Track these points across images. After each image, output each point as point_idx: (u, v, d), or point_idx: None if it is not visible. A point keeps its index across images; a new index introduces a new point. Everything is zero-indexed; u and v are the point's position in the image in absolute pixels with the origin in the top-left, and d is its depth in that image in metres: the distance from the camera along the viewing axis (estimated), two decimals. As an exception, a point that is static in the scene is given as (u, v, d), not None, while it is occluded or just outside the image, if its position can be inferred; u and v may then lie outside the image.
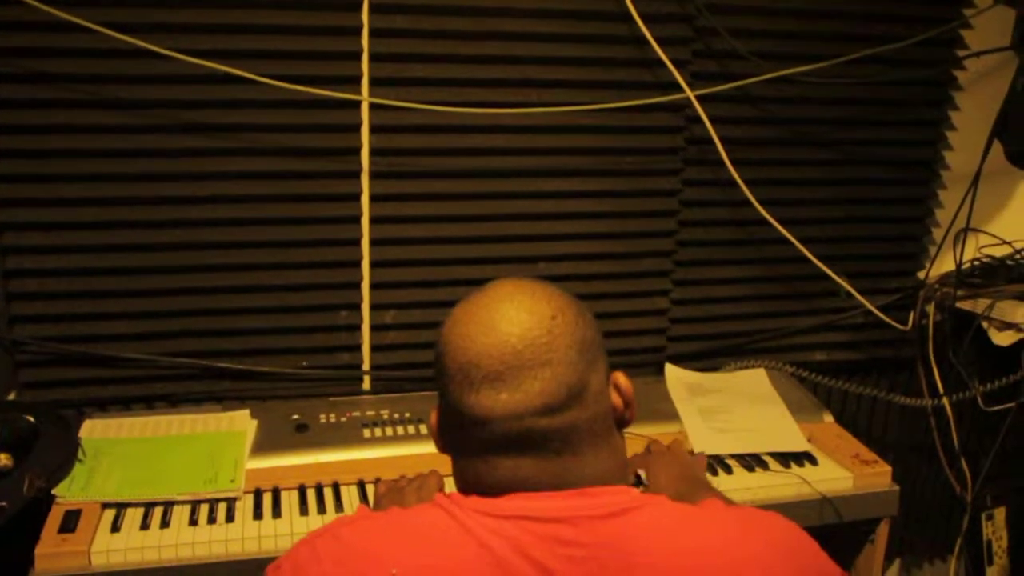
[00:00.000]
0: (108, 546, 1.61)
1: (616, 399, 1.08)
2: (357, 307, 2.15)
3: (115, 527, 1.67)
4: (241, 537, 1.67)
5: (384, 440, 1.97)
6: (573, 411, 1.00)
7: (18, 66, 1.84)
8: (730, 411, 2.15)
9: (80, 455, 1.82)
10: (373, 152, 2.05)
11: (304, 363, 2.15)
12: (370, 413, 2.06)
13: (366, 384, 2.21)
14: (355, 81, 2.00)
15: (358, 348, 2.18)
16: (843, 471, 1.98)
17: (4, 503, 1.08)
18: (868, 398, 2.44)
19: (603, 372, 1.06)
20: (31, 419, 1.07)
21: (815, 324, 2.44)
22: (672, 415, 2.13)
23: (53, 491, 1.72)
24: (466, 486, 1.06)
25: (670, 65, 2.02)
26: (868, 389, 2.34)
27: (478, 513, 0.99)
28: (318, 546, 1.01)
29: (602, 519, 0.97)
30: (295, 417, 2.03)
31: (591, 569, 0.95)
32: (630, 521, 0.98)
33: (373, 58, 1.99)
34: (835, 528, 1.96)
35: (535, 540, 0.96)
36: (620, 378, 1.09)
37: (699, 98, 2.09)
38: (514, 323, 1.00)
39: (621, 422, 1.09)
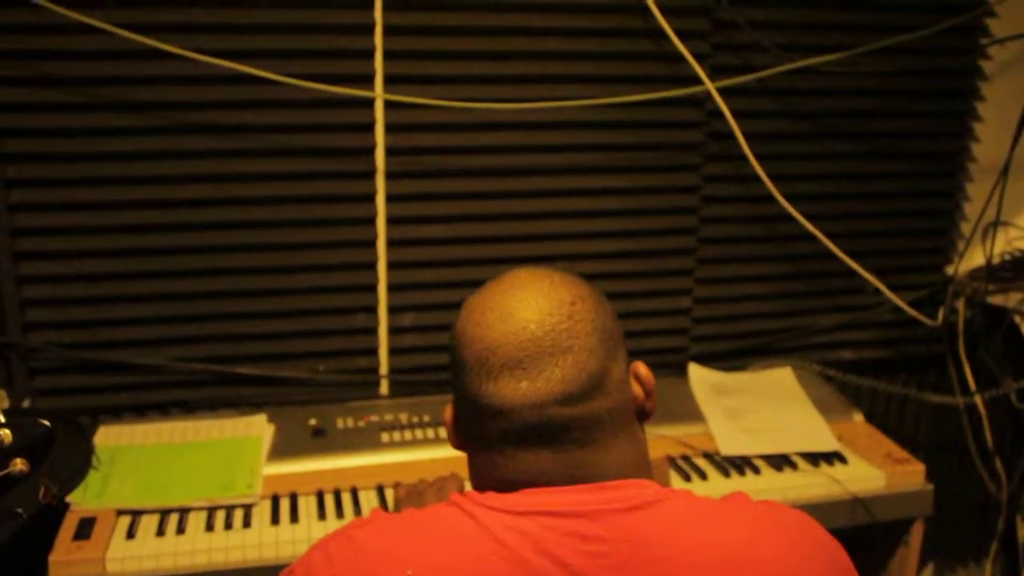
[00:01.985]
0: (123, 553, 1.58)
1: (637, 389, 1.04)
2: (374, 310, 2.12)
3: (130, 534, 1.64)
4: (259, 543, 1.64)
5: (403, 444, 1.94)
6: (595, 400, 0.96)
7: (31, 69, 1.83)
8: (757, 411, 2.10)
9: (95, 462, 1.79)
10: (388, 152, 2.02)
11: (321, 367, 2.12)
12: (388, 417, 2.02)
13: (384, 388, 2.18)
14: (368, 80, 1.97)
15: (375, 351, 2.14)
16: (875, 470, 1.93)
17: (19, 509, 1.04)
18: (897, 397, 2.39)
19: (623, 361, 1.02)
20: (47, 423, 1.03)
21: (842, 322, 2.39)
22: (696, 415, 2.08)
23: (67, 498, 1.70)
24: (482, 482, 1.02)
25: (689, 58, 1.98)
26: (897, 387, 2.28)
27: (495, 510, 0.95)
28: (331, 549, 0.98)
29: (624, 513, 0.93)
30: (312, 422, 2.00)
31: (614, 564, 0.91)
32: (653, 515, 0.94)
33: (387, 56, 1.96)
34: (867, 529, 1.91)
35: (556, 536, 0.92)
36: (641, 368, 1.05)
37: (720, 92, 2.05)
38: (533, 309, 0.97)
39: (642, 413, 1.05)
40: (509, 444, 0.97)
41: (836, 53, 2.10)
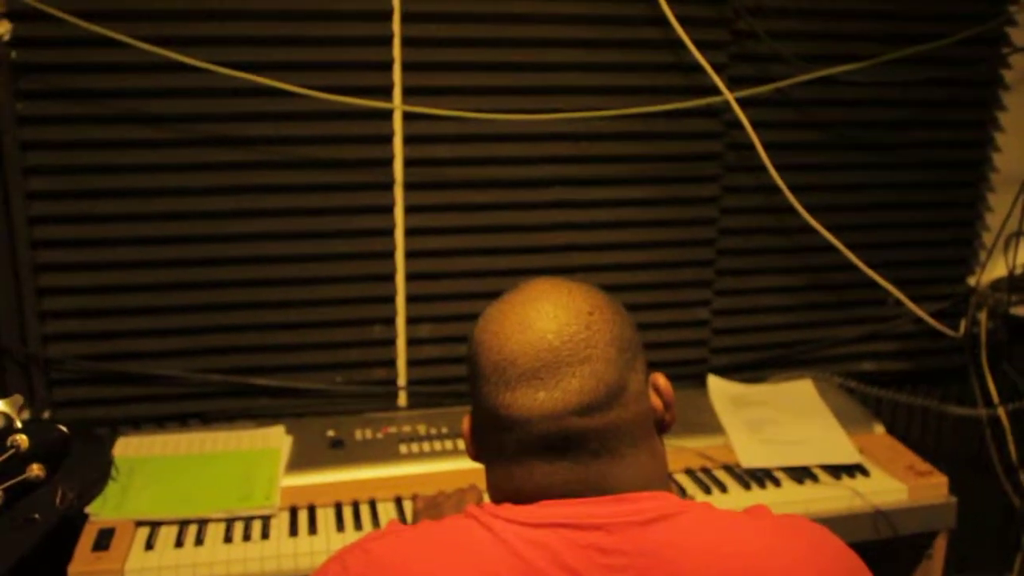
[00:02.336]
0: (142, 564, 1.58)
1: (656, 401, 1.03)
2: (392, 321, 2.12)
3: (149, 545, 1.64)
4: (277, 555, 1.63)
5: (421, 456, 1.93)
6: (613, 411, 0.95)
7: (50, 82, 1.84)
8: (777, 423, 2.08)
9: (113, 473, 1.79)
10: (407, 163, 2.02)
11: (338, 379, 2.11)
12: (406, 429, 2.02)
13: (402, 400, 2.17)
14: (387, 92, 1.97)
15: (393, 363, 2.14)
16: (897, 483, 1.91)
17: (36, 515, 1.04)
18: (918, 409, 2.36)
19: (642, 372, 1.01)
20: (63, 428, 1.03)
21: (862, 333, 2.37)
22: (716, 427, 2.07)
23: (86, 509, 1.70)
24: (499, 494, 1.01)
25: (708, 68, 1.98)
26: (919, 399, 2.26)
27: (511, 522, 0.94)
28: (348, 561, 0.97)
29: (642, 526, 0.92)
30: (330, 433, 1.99)
31: None
32: (672, 527, 0.92)
33: (405, 67, 1.97)
34: (890, 543, 1.89)
35: (573, 549, 0.91)
36: (660, 379, 1.04)
37: (738, 103, 2.04)
38: (550, 319, 0.96)
39: (661, 425, 1.04)
40: (526, 455, 0.96)
41: (855, 63, 2.09)
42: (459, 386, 2.17)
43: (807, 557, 0.94)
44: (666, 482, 1.03)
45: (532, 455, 0.96)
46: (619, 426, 0.96)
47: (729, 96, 1.96)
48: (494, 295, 2.15)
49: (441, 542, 0.96)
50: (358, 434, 1.99)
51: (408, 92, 1.98)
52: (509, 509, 0.96)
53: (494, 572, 0.91)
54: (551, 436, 0.94)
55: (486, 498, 1.68)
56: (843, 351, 2.39)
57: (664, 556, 0.91)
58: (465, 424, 1.07)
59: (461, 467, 1.88)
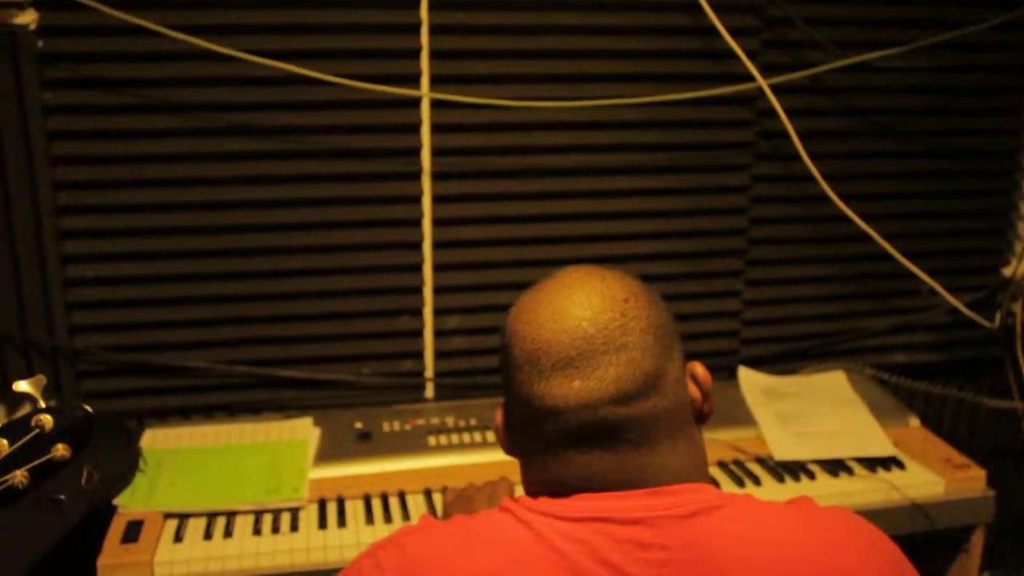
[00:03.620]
0: (171, 556, 1.57)
1: (694, 391, 1.00)
2: (420, 312, 2.10)
3: (178, 537, 1.63)
4: (307, 547, 1.62)
5: (450, 448, 1.91)
6: (650, 400, 0.93)
7: (77, 71, 1.82)
8: (810, 415, 2.05)
9: (142, 465, 1.78)
10: (435, 152, 2.00)
11: (366, 370, 2.10)
12: (435, 421, 2.00)
13: (429, 391, 2.15)
14: (414, 80, 1.95)
15: (421, 354, 2.12)
16: (934, 476, 1.87)
17: (62, 496, 1.03)
18: (951, 401, 2.33)
19: (679, 361, 0.99)
20: (87, 408, 1.02)
21: (895, 324, 2.34)
22: (748, 420, 2.04)
23: (115, 501, 1.69)
24: (535, 487, 0.99)
25: (742, 55, 1.94)
26: (954, 391, 2.22)
27: (549, 516, 0.91)
28: (380, 557, 0.95)
29: (683, 519, 0.90)
30: (358, 425, 1.98)
31: (673, 572, 0.88)
32: (713, 521, 0.90)
33: (433, 55, 1.94)
34: (926, 537, 1.86)
35: (612, 544, 0.88)
36: (698, 368, 1.02)
37: (772, 89, 2.00)
38: (585, 307, 0.93)
39: (700, 415, 1.01)
40: (562, 446, 0.94)
41: (890, 49, 2.05)
42: (487, 378, 2.15)
43: (861, 559, 0.91)
44: (706, 473, 1.00)
45: (568, 446, 0.94)
46: (657, 415, 0.94)
47: (763, 83, 1.92)
48: (523, 286, 2.12)
49: (477, 537, 0.93)
50: (386, 426, 1.98)
51: (436, 80, 1.96)
52: (546, 503, 0.94)
53: (533, 568, 0.89)
54: (587, 426, 0.92)
55: (518, 490, 1.66)
56: (875, 343, 2.35)
57: (706, 550, 0.88)
58: (497, 416, 1.05)
59: (490, 459, 1.87)
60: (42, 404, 1.00)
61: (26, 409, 1.64)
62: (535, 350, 0.94)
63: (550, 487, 0.95)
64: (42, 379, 1.02)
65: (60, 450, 1.01)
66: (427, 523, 1.00)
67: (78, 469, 1.05)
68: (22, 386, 1.00)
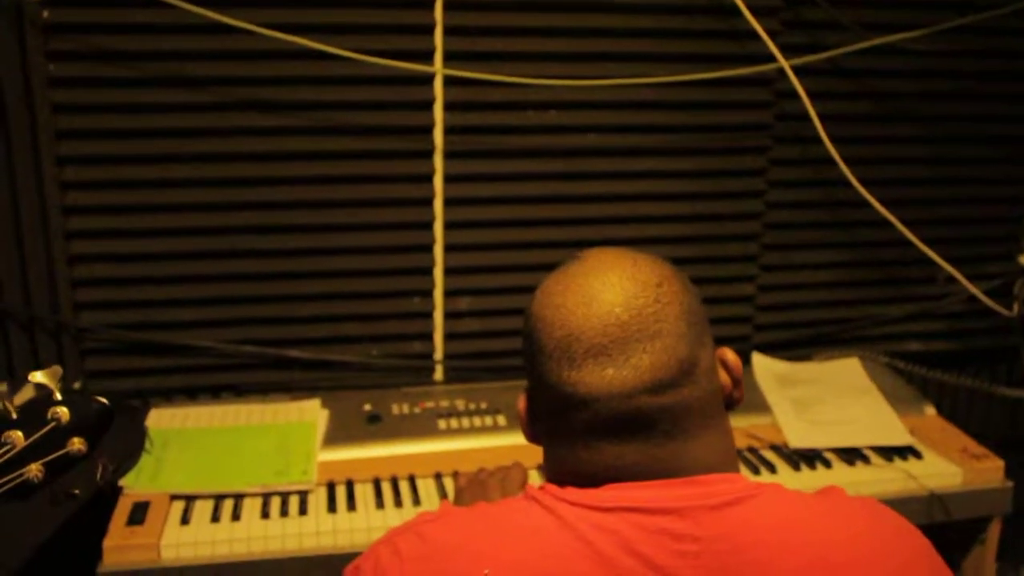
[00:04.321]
0: (178, 539, 1.54)
1: (724, 377, 0.97)
2: (430, 293, 2.06)
3: (184, 519, 1.60)
4: (316, 531, 1.59)
5: (460, 432, 1.88)
6: (685, 388, 0.89)
7: (83, 43, 1.78)
8: (825, 403, 2.02)
9: (147, 445, 1.75)
10: (447, 131, 1.96)
11: (375, 352, 2.06)
12: (444, 404, 1.97)
13: (438, 374, 2.12)
14: (428, 56, 1.91)
15: (430, 336, 2.09)
16: (951, 466, 1.85)
17: (77, 491, 1.00)
18: (966, 389, 2.30)
19: (711, 347, 0.96)
20: (104, 401, 0.98)
21: (910, 312, 2.30)
22: (762, 406, 2.01)
23: (120, 482, 1.66)
24: (560, 476, 0.95)
25: (764, 35, 1.89)
26: (969, 380, 2.19)
27: (577, 506, 0.88)
28: (399, 544, 0.91)
29: (715, 510, 0.87)
30: (367, 407, 1.95)
31: (705, 564, 0.85)
32: (746, 511, 0.87)
33: (447, 31, 1.90)
34: (941, 528, 1.83)
35: (643, 534, 0.86)
36: (728, 354, 0.98)
37: (792, 71, 1.96)
38: (617, 291, 0.90)
39: (730, 402, 0.99)
40: (593, 436, 0.91)
41: (913, 31, 2.01)
42: (497, 360, 2.12)
43: (891, 548, 0.89)
44: (735, 462, 0.97)
45: (599, 436, 0.90)
46: (690, 404, 0.90)
47: (785, 64, 1.88)
48: (534, 267, 2.10)
49: (501, 525, 0.90)
50: (395, 408, 1.94)
51: (450, 57, 1.91)
52: (573, 492, 0.91)
53: (560, 557, 0.86)
54: (620, 416, 0.88)
55: (532, 475, 1.64)
56: (890, 330, 2.32)
57: (738, 542, 0.85)
58: (520, 403, 1.02)
59: (502, 444, 1.84)
60: (58, 396, 0.97)
61: (29, 392, 1.62)
62: (565, 336, 0.90)
63: (579, 477, 0.92)
64: (58, 370, 0.98)
65: (76, 444, 0.97)
66: (447, 510, 0.97)
67: (93, 463, 1.03)
68: (38, 377, 0.97)
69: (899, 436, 1.93)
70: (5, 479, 0.94)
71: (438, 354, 2.10)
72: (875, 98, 2.14)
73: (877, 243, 2.22)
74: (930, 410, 2.06)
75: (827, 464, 1.84)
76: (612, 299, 0.90)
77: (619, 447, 0.90)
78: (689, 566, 0.85)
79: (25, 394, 1.84)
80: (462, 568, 0.87)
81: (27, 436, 0.94)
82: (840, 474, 1.82)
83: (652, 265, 0.94)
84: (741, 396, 0.99)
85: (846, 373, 2.15)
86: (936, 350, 2.34)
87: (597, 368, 0.88)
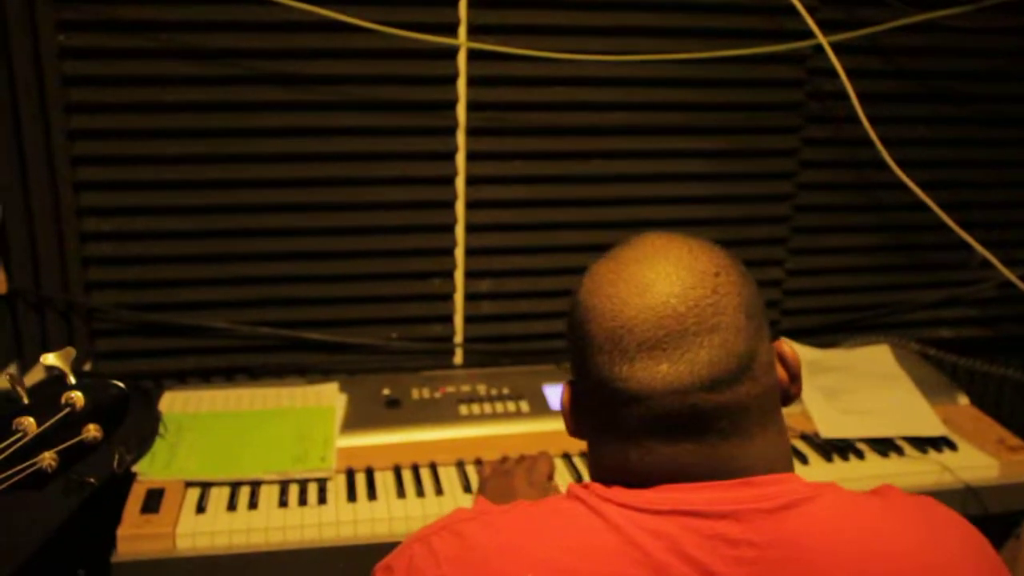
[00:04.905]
0: (194, 528, 1.49)
1: (781, 372, 0.92)
2: (451, 274, 2.00)
3: (200, 508, 1.55)
4: (336, 521, 1.54)
5: (482, 418, 1.83)
6: (743, 385, 0.84)
7: (93, 13, 1.71)
8: (855, 391, 1.96)
9: (161, 430, 1.70)
10: (471, 106, 1.89)
11: (394, 335, 2.01)
12: (465, 388, 1.91)
13: (458, 357, 2.07)
14: (452, 29, 1.84)
15: (451, 319, 2.03)
16: (987, 458, 1.79)
17: (92, 479, 0.94)
18: (997, 378, 2.24)
19: (768, 341, 0.90)
20: (121, 385, 0.93)
21: (941, 298, 2.24)
22: (791, 394, 1.95)
23: (134, 468, 1.61)
24: (607, 474, 0.90)
25: (802, 9, 1.82)
26: (1003, 369, 2.13)
27: (626, 507, 0.83)
28: (435, 544, 0.87)
29: (773, 513, 0.82)
30: (386, 392, 1.89)
31: (762, 572, 0.80)
32: (804, 515, 0.82)
33: (472, 3, 1.83)
34: (976, 521, 1.78)
35: (697, 539, 0.81)
36: (785, 347, 0.93)
37: (823, 49, 1.89)
38: (673, 281, 0.85)
39: (786, 398, 0.93)
40: (645, 434, 0.85)
41: (954, 8, 1.93)
42: (518, 344, 2.07)
43: (959, 555, 0.85)
44: (791, 461, 0.92)
45: (651, 434, 0.85)
46: (749, 403, 0.85)
47: (823, 41, 1.81)
48: (558, 250, 2.04)
49: (545, 527, 0.85)
50: (415, 393, 1.89)
51: (474, 30, 1.85)
52: (622, 492, 0.85)
53: (609, 563, 0.81)
54: (675, 414, 0.83)
55: (558, 465, 1.59)
56: (920, 316, 2.26)
57: (797, 547, 0.81)
58: (565, 396, 0.96)
59: (525, 430, 1.79)
60: (72, 380, 0.91)
61: (40, 374, 1.55)
62: (617, 328, 0.85)
63: (627, 476, 0.87)
64: (71, 352, 0.93)
65: (92, 431, 0.92)
66: (485, 508, 0.92)
67: (109, 450, 0.98)
68: (50, 359, 0.91)
69: (933, 426, 1.87)
70: (17, 468, 0.89)
71: (458, 337, 2.05)
72: (910, 77, 2.07)
73: (909, 226, 2.16)
74: (963, 399, 2.01)
75: (860, 455, 1.79)
76: (668, 289, 0.84)
77: (672, 447, 0.85)
78: (745, 574, 0.80)
79: (35, 375, 1.79)
80: (503, 572, 0.82)
81: (40, 423, 0.89)
82: (874, 466, 1.77)
83: (709, 253, 0.88)
84: (798, 392, 0.94)
85: (876, 360, 2.09)
86: (967, 337, 2.28)
87: (651, 363, 0.83)
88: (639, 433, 0.85)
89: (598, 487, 0.87)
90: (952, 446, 1.83)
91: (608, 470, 0.90)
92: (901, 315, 2.25)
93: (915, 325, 2.26)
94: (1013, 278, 2.09)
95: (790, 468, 0.90)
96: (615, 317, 0.85)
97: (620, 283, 0.86)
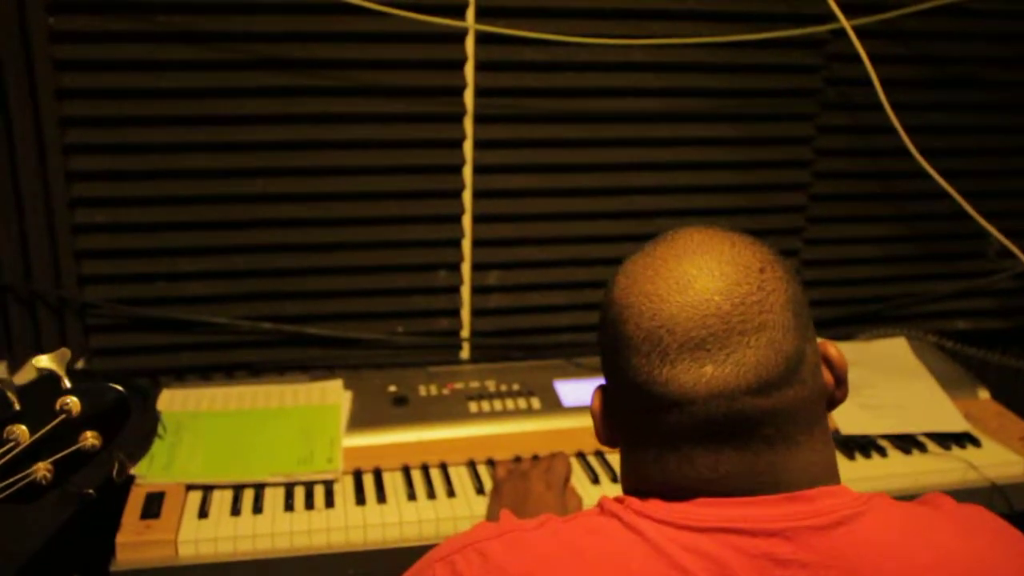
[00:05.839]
0: (197, 534, 1.43)
1: (827, 375, 0.87)
2: (457, 267, 1.94)
3: (203, 512, 1.48)
4: (345, 526, 1.47)
5: (493, 416, 1.77)
6: (792, 389, 0.79)
7: (87, -6, 1.64)
8: (874, 385, 1.91)
9: (160, 430, 1.64)
10: (479, 92, 1.82)
11: (399, 329, 1.94)
12: (474, 385, 1.85)
13: (464, 352, 2.01)
14: (459, 11, 1.77)
15: (457, 312, 1.97)
16: (1012, 455, 1.75)
17: (90, 490, 0.88)
18: (1012, 371, 2.18)
19: (814, 342, 0.85)
20: (120, 388, 0.86)
21: (958, 289, 2.19)
22: (809, 389, 1.90)
23: (132, 470, 1.54)
24: (642, 486, 0.85)
25: (822, -8, 1.76)
26: (1020, 361, 2.08)
27: (665, 524, 0.78)
28: (458, 564, 0.81)
29: (823, 531, 0.77)
30: (392, 389, 1.83)
31: None
32: (856, 532, 0.78)
33: (480, -15, 1.77)
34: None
35: (743, 559, 0.76)
36: (831, 349, 0.88)
37: (841, 34, 1.83)
38: (716, 277, 0.79)
39: (831, 403, 0.88)
40: (685, 441, 0.80)
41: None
42: (526, 338, 2.01)
43: (1012, 565, 0.81)
44: (836, 471, 0.87)
45: (693, 442, 0.80)
46: (796, 408, 0.80)
47: (847, 24, 1.74)
48: (568, 241, 1.97)
49: (577, 548, 0.80)
50: (422, 390, 1.83)
51: (483, 13, 1.77)
52: (660, 507, 0.80)
53: None
54: (719, 419, 0.78)
55: (575, 464, 1.52)
56: (936, 307, 2.21)
57: (849, 567, 0.76)
58: (596, 402, 0.91)
59: (537, 429, 1.74)
60: (67, 384, 0.84)
61: (31, 373, 1.47)
62: (656, 328, 0.79)
63: (664, 487, 0.82)
64: (66, 353, 0.86)
65: (90, 439, 0.86)
66: (511, 525, 0.86)
67: (109, 459, 0.91)
68: (43, 361, 0.84)
69: (955, 422, 1.82)
70: (9, 481, 0.83)
71: (465, 331, 1.98)
72: (930, 63, 2.01)
73: (925, 216, 2.11)
74: (984, 393, 1.96)
75: (883, 452, 1.74)
76: (711, 286, 0.79)
77: (714, 456, 0.79)
78: None
79: (26, 374, 1.71)
80: None
81: (33, 431, 0.82)
82: (896, 463, 1.71)
83: (753, 248, 0.83)
84: (844, 396, 0.89)
85: (894, 354, 2.04)
86: (985, 328, 2.23)
87: (694, 365, 0.78)
88: (678, 440, 0.80)
89: (634, 501, 0.82)
90: (976, 443, 1.78)
91: (643, 481, 0.85)
92: (917, 307, 2.20)
93: (931, 316, 2.21)
94: (1034, 269, 2.04)
95: (836, 479, 0.85)
96: (654, 316, 0.80)
97: (659, 280, 0.81)
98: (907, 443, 1.76)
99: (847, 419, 1.81)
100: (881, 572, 0.76)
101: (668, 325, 0.79)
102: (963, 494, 1.67)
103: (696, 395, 0.78)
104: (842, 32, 1.80)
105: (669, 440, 0.81)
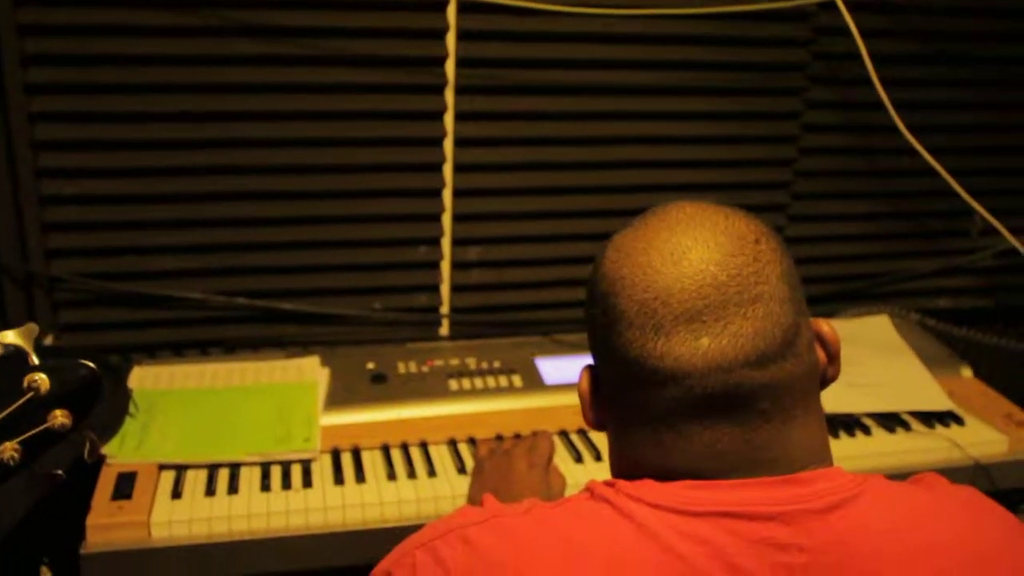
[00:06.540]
0: (170, 516, 1.39)
1: (820, 352, 0.86)
2: (437, 242, 1.90)
3: (176, 493, 1.44)
4: (323, 506, 1.44)
5: (473, 393, 1.74)
6: (788, 362, 0.78)
7: (53, -45, 1.57)
8: (858, 363, 1.89)
9: (132, 408, 1.59)
10: (460, 63, 1.78)
11: (377, 305, 1.90)
12: (454, 362, 1.82)
13: (444, 329, 1.97)
14: (440, -21, 1.72)
15: (437, 288, 1.93)
16: (995, 433, 1.74)
17: (59, 471, 0.85)
18: (993, 348, 2.18)
19: (808, 316, 0.84)
20: (91, 365, 0.83)
21: (941, 267, 2.18)
22: (793, 367, 1.88)
23: (103, 449, 1.50)
24: (634, 469, 0.83)
25: (811, -39, 1.73)
26: (1006, 340, 2.07)
27: (659, 508, 0.76)
28: (441, 551, 0.78)
29: (822, 514, 0.76)
30: (370, 366, 1.79)
31: None
32: (853, 514, 0.76)
33: (462, -49, 1.72)
34: (983, 497, 1.73)
35: (741, 544, 0.74)
36: (823, 325, 0.87)
37: (830, 7, 1.80)
38: (712, 248, 0.78)
39: (824, 381, 0.88)
40: (680, 418, 0.78)
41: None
42: (507, 314, 1.98)
43: (1007, 540, 0.81)
44: (829, 451, 0.86)
45: (689, 418, 0.78)
46: (792, 382, 0.79)
47: (836, -6, 1.72)
48: (551, 216, 1.93)
49: (566, 534, 0.77)
50: (401, 367, 1.80)
51: (464, -20, 1.73)
52: (652, 489, 0.78)
53: (642, 573, 0.73)
54: (717, 393, 0.76)
55: (558, 443, 1.49)
56: (918, 285, 2.20)
57: (848, 550, 0.75)
58: (583, 382, 0.89)
59: (518, 407, 1.72)
60: (35, 361, 0.81)
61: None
62: (650, 300, 0.77)
63: (657, 468, 0.80)
64: (34, 328, 0.82)
65: (59, 417, 0.82)
66: (495, 510, 0.83)
67: (79, 439, 0.87)
68: (9, 337, 0.81)
69: (938, 400, 1.81)
70: (-29, 464, 0.79)
71: (445, 307, 1.95)
72: (920, 38, 1.98)
73: (910, 193, 2.10)
74: (966, 371, 1.96)
75: (867, 431, 1.73)
76: (706, 256, 0.77)
77: (711, 431, 0.78)
78: None
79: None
80: None
81: (-1, 411, 0.79)
82: (880, 442, 1.70)
83: (746, 219, 0.82)
84: (836, 374, 0.88)
85: (877, 332, 2.03)
86: (967, 307, 2.22)
87: (690, 337, 0.76)
88: (674, 416, 0.78)
89: (625, 485, 0.80)
90: (959, 421, 1.77)
91: (635, 463, 0.83)
92: (899, 284, 2.18)
93: (913, 294, 2.20)
94: (1019, 246, 2.02)
95: (830, 459, 0.84)
96: (648, 288, 0.78)
97: (652, 251, 0.79)
98: (891, 421, 1.75)
99: (831, 397, 1.76)
100: (880, 554, 0.75)
101: (663, 297, 0.77)
102: (947, 472, 1.62)
103: (692, 368, 0.76)
104: (831, 4, 1.77)
105: (664, 417, 0.79)
